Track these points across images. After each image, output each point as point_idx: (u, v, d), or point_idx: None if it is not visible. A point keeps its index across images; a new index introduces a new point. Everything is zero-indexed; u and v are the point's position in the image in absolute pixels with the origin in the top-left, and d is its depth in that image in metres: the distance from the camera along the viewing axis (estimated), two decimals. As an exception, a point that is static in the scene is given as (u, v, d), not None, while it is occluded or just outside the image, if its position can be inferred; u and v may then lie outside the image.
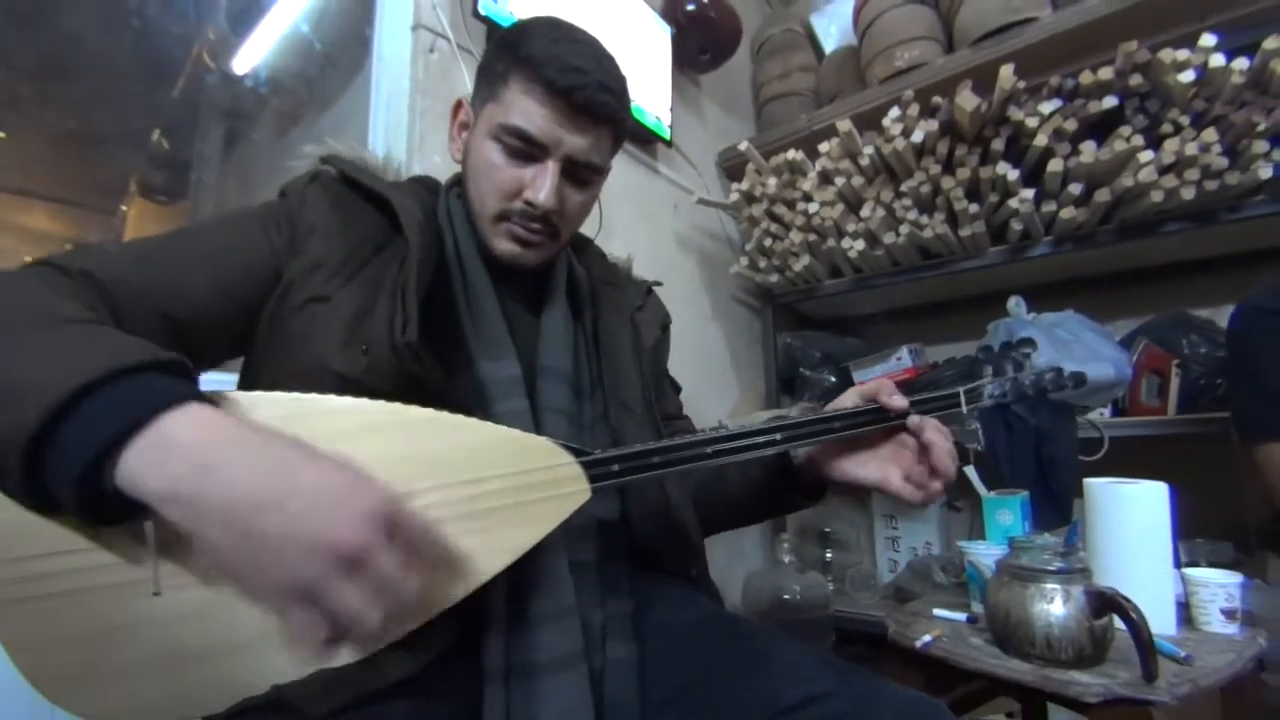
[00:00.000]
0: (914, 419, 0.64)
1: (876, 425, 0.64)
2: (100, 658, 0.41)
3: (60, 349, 0.40)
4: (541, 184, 0.62)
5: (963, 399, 0.65)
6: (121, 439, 0.36)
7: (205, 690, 0.43)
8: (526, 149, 0.62)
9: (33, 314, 0.43)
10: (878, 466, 0.66)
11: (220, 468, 0.36)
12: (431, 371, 0.54)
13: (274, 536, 0.35)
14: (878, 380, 0.66)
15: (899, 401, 0.63)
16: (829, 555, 1.84)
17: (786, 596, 1.48)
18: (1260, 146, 1.17)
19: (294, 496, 0.36)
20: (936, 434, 0.63)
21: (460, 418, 0.49)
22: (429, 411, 0.48)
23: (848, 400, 0.66)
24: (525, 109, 0.61)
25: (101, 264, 0.51)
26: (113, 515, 0.39)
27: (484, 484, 0.47)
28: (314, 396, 0.46)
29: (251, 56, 1.90)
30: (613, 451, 0.54)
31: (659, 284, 0.89)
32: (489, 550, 0.47)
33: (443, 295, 0.62)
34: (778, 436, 0.60)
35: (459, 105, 0.71)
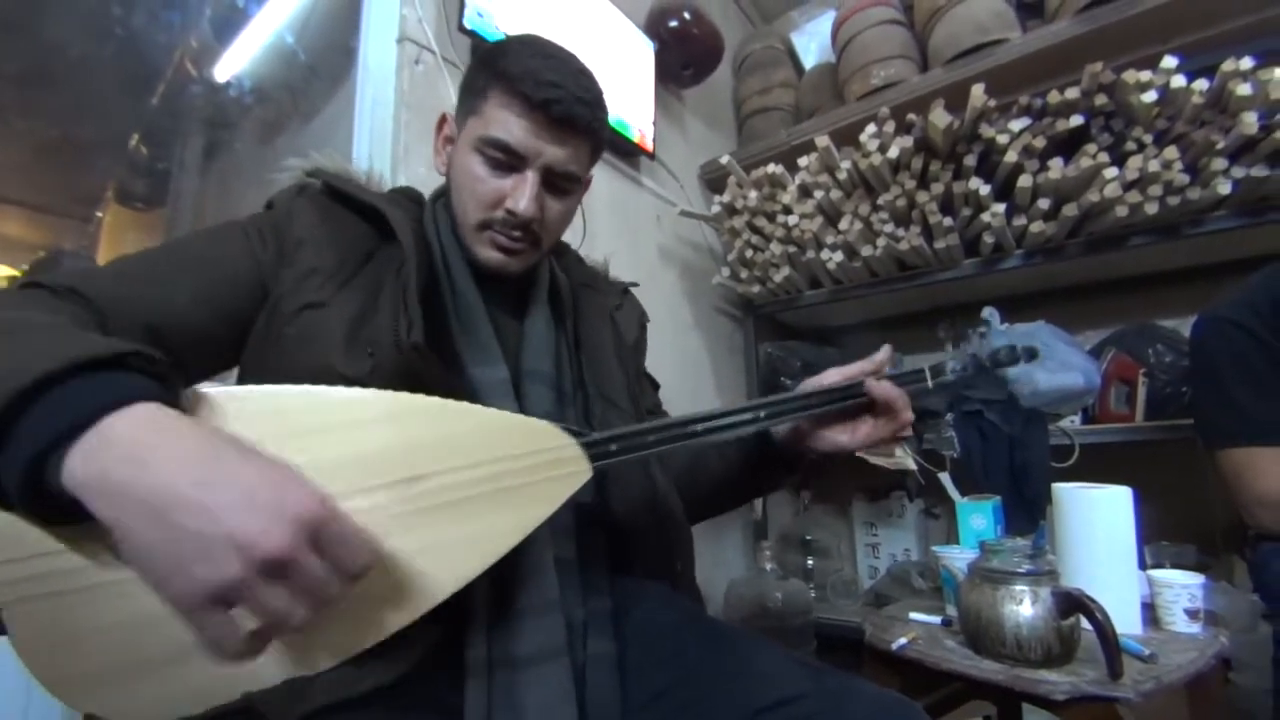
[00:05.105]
0: (874, 384, 0.67)
1: (852, 400, 0.67)
2: (107, 654, 0.41)
3: (22, 347, 0.40)
4: (522, 193, 0.64)
5: (928, 374, 0.71)
6: (66, 436, 0.36)
7: (214, 683, 0.43)
8: (507, 160, 0.64)
9: (11, 324, 0.43)
10: (847, 432, 0.69)
11: (150, 462, 0.36)
12: (435, 372, 0.56)
13: (197, 533, 0.35)
14: (859, 365, 0.70)
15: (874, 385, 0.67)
16: (810, 562, 1.86)
17: (768, 603, 1.49)
18: (1219, 164, 1.21)
19: (221, 493, 0.36)
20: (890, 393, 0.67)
21: (466, 404, 0.51)
22: (436, 399, 0.50)
23: (827, 378, 0.69)
24: (504, 121, 0.63)
25: (86, 280, 0.52)
26: (58, 515, 0.39)
27: (494, 465, 0.49)
28: (324, 388, 0.48)
29: (234, 65, 1.89)
30: (610, 432, 0.56)
31: (635, 284, 0.91)
32: (501, 529, 0.48)
33: (432, 302, 0.64)
34: (762, 414, 0.63)
35: (444, 119, 0.72)
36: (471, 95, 0.66)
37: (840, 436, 0.69)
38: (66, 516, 0.38)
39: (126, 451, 0.36)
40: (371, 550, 0.40)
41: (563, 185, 0.67)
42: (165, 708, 0.42)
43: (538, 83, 0.62)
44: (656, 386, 0.90)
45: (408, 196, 0.75)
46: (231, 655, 0.36)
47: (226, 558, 0.34)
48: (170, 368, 0.43)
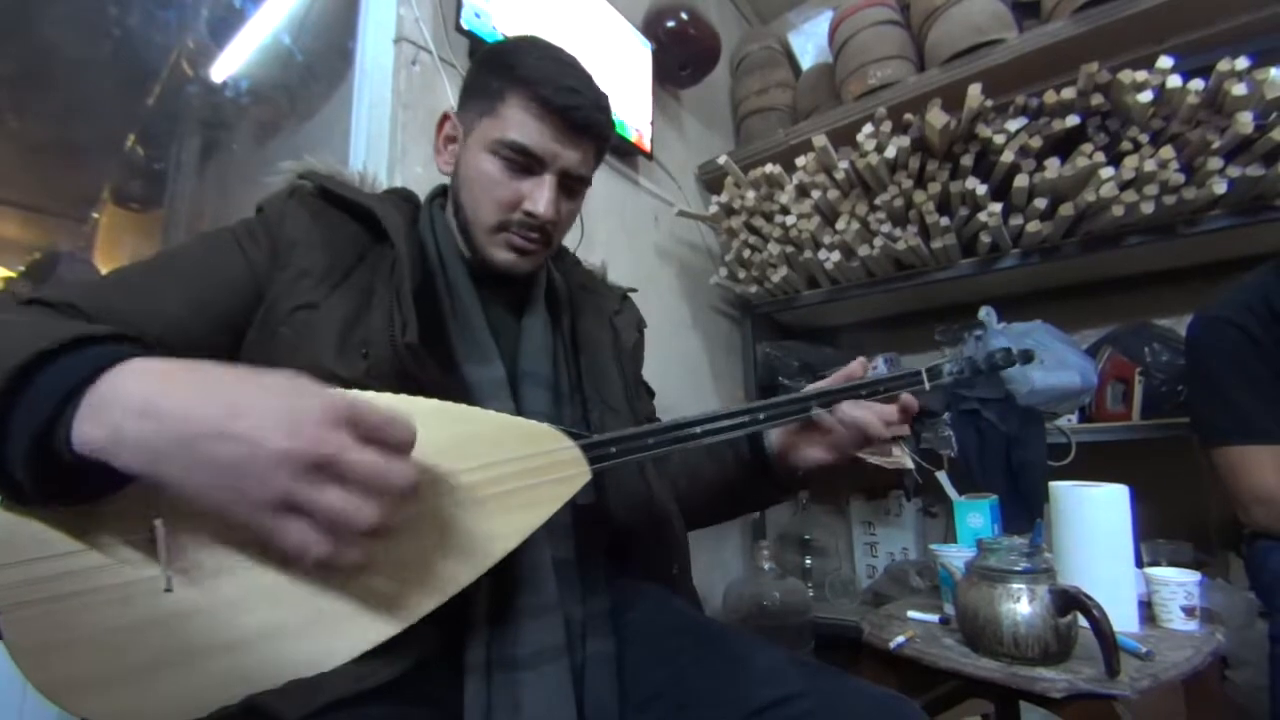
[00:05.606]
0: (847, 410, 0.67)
1: (847, 399, 0.68)
2: (108, 659, 0.41)
3: (7, 341, 0.40)
4: (540, 196, 0.65)
5: (925, 377, 0.71)
6: (67, 402, 0.37)
7: (215, 686, 0.43)
8: (525, 162, 0.65)
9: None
10: (833, 453, 0.70)
11: (162, 406, 0.37)
12: (430, 372, 0.56)
13: (234, 462, 0.36)
14: (843, 373, 0.71)
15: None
16: (808, 562, 1.86)
17: (766, 603, 1.50)
18: (1215, 163, 1.22)
19: (241, 417, 0.36)
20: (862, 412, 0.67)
21: (464, 407, 0.52)
22: (435, 401, 0.50)
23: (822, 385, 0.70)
24: (524, 124, 0.64)
25: (84, 294, 0.52)
26: (77, 492, 0.39)
27: (493, 469, 0.49)
28: None
29: (231, 65, 1.89)
30: (609, 435, 0.56)
31: (634, 290, 0.92)
32: (500, 532, 0.49)
33: (428, 301, 0.64)
34: (760, 415, 0.63)
35: (445, 118, 0.72)
36: (484, 97, 0.66)
37: (826, 456, 0.70)
38: (79, 495, 0.39)
39: (137, 404, 0.37)
40: (410, 424, 0.40)
41: (573, 187, 0.69)
42: (166, 710, 0.42)
43: (557, 88, 0.63)
44: (652, 394, 0.91)
45: (401, 196, 0.75)
46: (316, 557, 0.36)
47: (270, 473, 0.36)
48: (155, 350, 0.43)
